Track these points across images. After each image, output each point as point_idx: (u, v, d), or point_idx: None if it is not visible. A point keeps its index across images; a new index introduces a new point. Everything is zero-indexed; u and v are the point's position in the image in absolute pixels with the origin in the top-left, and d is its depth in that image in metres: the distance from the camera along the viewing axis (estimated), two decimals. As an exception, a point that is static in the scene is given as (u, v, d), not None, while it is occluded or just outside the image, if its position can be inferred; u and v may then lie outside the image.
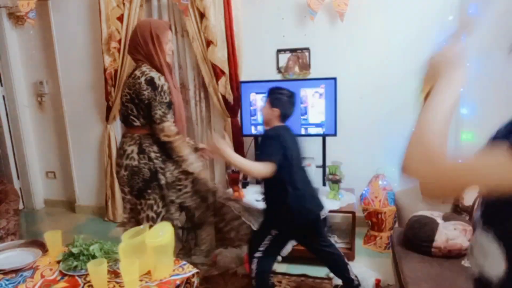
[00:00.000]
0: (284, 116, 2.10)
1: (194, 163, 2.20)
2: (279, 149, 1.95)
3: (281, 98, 2.08)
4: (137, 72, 2.05)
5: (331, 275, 2.47)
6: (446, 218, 2.05)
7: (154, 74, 2.04)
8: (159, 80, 2.03)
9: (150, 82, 2.01)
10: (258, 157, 2.01)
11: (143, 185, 2.12)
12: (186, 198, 2.30)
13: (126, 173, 2.13)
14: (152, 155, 2.12)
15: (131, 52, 2.17)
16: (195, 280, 1.51)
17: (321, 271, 2.57)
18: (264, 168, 1.91)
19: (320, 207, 2.12)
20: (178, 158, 2.16)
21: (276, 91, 2.13)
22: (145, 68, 2.06)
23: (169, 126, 2.07)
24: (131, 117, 2.10)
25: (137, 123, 2.11)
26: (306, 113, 2.97)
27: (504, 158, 0.64)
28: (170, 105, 2.08)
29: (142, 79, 2.02)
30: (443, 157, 0.72)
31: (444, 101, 0.79)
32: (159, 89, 2.02)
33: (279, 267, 2.65)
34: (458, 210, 2.23)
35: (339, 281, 2.39)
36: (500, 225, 0.72)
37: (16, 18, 3.66)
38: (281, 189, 1.99)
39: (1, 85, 3.79)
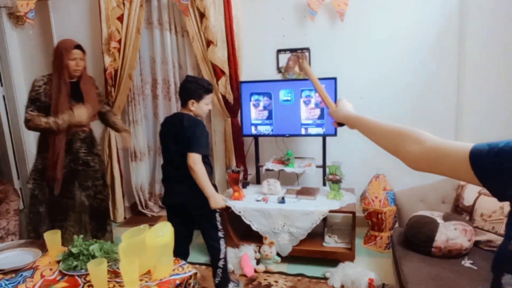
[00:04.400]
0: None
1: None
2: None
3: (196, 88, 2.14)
4: None
5: (328, 274, 2.47)
6: (446, 218, 2.05)
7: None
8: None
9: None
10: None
11: None
12: None
13: None
14: None
15: None
16: (192, 282, 1.51)
17: (318, 271, 2.57)
18: None
19: (170, 199, 2.20)
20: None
21: (191, 85, 2.14)
22: None
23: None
24: None
25: None
26: (306, 113, 2.97)
27: (462, 159, 0.69)
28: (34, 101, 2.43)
29: None
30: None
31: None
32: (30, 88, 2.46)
33: (278, 266, 2.65)
34: (458, 210, 2.23)
35: (336, 282, 2.39)
36: None
37: (16, 18, 3.66)
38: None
39: (1, 85, 3.78)
